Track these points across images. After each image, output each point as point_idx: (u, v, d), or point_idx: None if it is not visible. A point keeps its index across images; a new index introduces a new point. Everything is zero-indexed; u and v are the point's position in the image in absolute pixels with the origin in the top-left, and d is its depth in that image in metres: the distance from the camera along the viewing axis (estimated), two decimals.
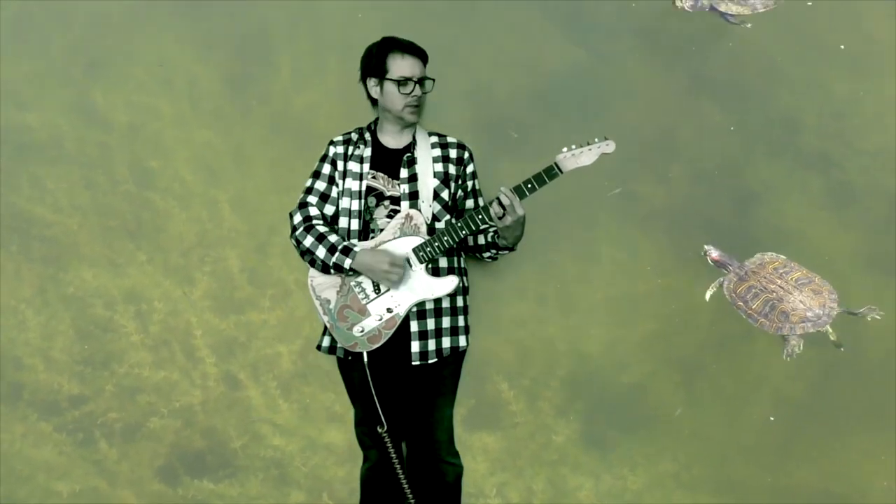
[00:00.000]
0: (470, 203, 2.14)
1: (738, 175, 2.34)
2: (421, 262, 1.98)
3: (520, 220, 1.92)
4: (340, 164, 2.08)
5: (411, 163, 2.07)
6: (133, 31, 2.37)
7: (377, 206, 2.05)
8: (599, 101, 2.35)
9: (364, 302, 2.00)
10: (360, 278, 2.00)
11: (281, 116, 2.36)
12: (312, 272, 2.05)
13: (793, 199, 2.33)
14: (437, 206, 2.06)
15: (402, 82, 2.00)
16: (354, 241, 2.02)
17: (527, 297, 2.33)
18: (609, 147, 1.90)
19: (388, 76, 2.01)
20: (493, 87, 2.36)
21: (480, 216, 1.93)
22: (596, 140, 1.90)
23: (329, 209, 2.07)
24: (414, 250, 1.98)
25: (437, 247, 1.96)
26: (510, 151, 2.34)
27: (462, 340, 2.07)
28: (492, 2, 2.37)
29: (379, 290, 1.99)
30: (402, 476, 2.06)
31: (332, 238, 1.99)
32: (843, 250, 2.32)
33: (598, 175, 2.32)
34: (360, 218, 2.04)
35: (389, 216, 2.04)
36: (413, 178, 2.05)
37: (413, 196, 2.04)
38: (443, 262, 2.05)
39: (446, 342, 2.04)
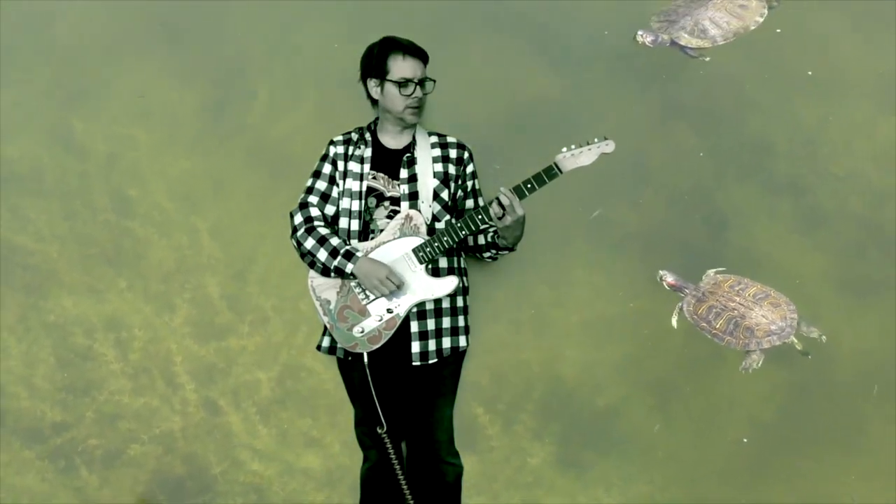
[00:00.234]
0: (470, 203, 2.14)
1: (710, 199, 2.37)
2: (421, 263, 1.98)
3: (519, 220, 1.93)
4: (341, 164, 2.09)
5: (411, 163, 2.07)
6: (112, 62, 2.40)
7: (377, 206, 2.06)
8: (573, 127, 2.38)
9: (364, 303, 2.00)
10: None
11: (258, 145, 2.39)
12: (312, 272, 2.06)
13: (764, 223, 2.36)
14: (437, 207, 2.06)
15: (402, 84, 2.00)
16: (355, 241, 2.03)
17: (501, 321, 2.36)
18: (609, 147, 1.91)
19: (388, 77, 2.01)
20: (469, 114, 2.38)
21: (480, 216, 1.93)
22: (595, 140, 1.90)
23: (330, 209, 2.08)
24: (414, 251, 1.98)
25: (437, 247, 1.96)
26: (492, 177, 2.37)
27: (462, 340, 2.08)
28: (468, 31, 2.39)
29: None
30: (401, 476, 2.07)
31: (334, 241, 2.00)
32: (814, 273, 2.35)
33: (572, 199, 2.36)
34: (360, 218, 2.05)
35: (389, 216, 2.05)
36: (413, 179, 2.06)
37: (413, 196, 2.05)
38: (443, 263, 2.05)
39: (446, 342, 2.05)
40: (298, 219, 2.05)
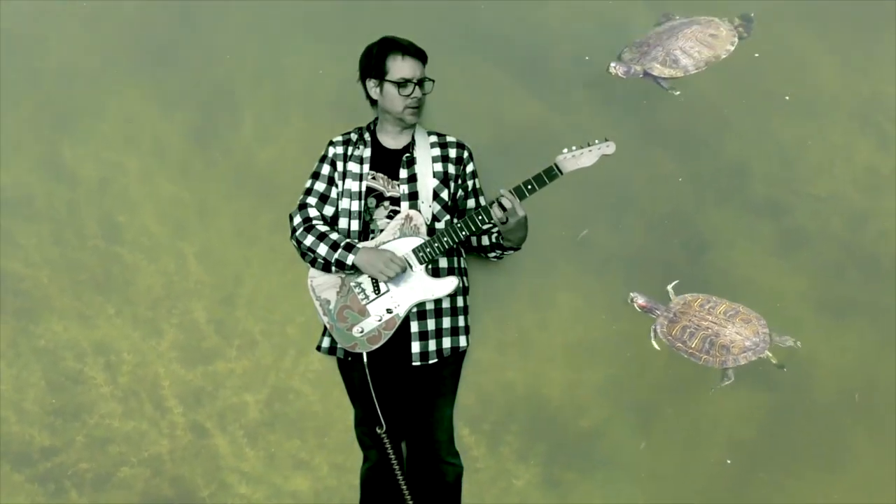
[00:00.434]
0: (471, 203, 2.14)
1: (690, 222, 2.40)
2: (421, 263, 1.98)
3: (522, 221, 1.93)
4: (340, 165, 2.09)
5: (410, 163, 2.07)
6: (100, 89, 2.43)
7: (377, 206, 2.06)
8: (555, 152, 2.40)
9: (364, 302, 2.00)
10: (360, 279, 2.01)
11: (244, 171, 2.42)
12: (312, 272, 2.06)
13: (744, 245, 2.39)
14: (437, 207, 2.06)
15: (401, 84, 2.00)
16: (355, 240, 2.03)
17: (487, 344, 2.39)
18: (609, 148, 1.90)
19: (387, 78, 2.00)
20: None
21: (480, 217, 1.93)
22: (596, 141, 1.90)
23: (329, 210, 2.08)
24: (414, 251, 1.98)
25: (437, 247, 1.96)
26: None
27: (462, 341, 2.08)
28: (451, 57, 2.42)
29: (378, 290, 2.00)
30: (400, 477, 2.07)
31: (334, 236, 2.00)
32: (794, 294, 2.38)
33: (554, 223, 2.39)
34: (359, 219, 2.05)
35: (389, 217, 2.05)
36: (412, 179, 2.06)
37: (413, 196, 2.05)
38: (443, 263, 2.05)
39: (446, 342, 2.05)
40: (297, 219, 2.06)
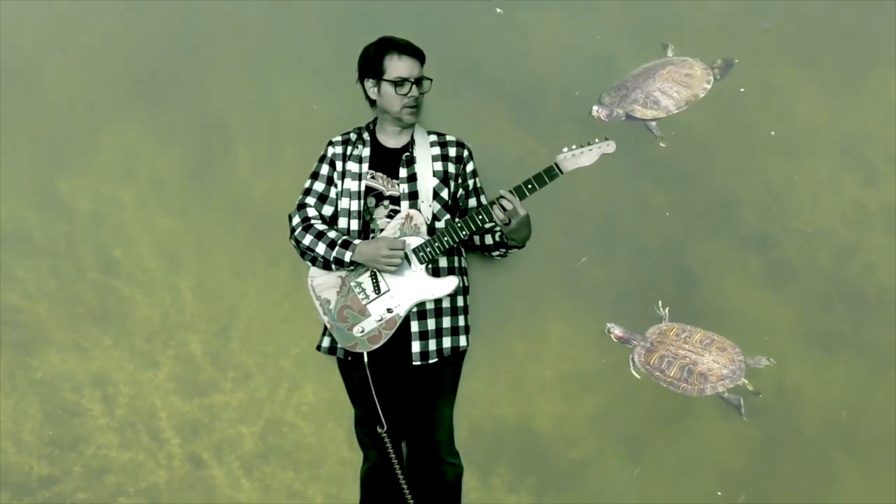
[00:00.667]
0: (472, 202, 2.15)
1: (679, 255, 2.43)
2: (421, 263, 1.99)
3: (524, 220, 1.94)
4: (339, 165, 2.09)
5: (410, 162, 2.07)
6: (96, 123, 2.45)
7: (377, 206, 2.06)
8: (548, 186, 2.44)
9: (364, 302, 2.01)
10: (360, 278, 2.02)
11: (240, 204, 2.44)
12: (313, 272, 2.07)
13: (732, 279, 2.42)
14: (437, 206, 2.06)
15: (398, 83, 2.00)
16: (355, 241, 2.02)
17: (479, 375, 2.42)
18: (610, 147, 1.90)
19: (384, 77, 2.01)
20: None
21: (481, 216, 1.93)
22: (596, 140, 1.90)
23: (328, 210, 2.09)
24: (414, 251, 1.99)
25: (438, 247, 1.97)
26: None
27: (462, 340, 2.09)
28: (443, 92, 2.45)
29: (379, 290, 2.00)
30: (401, 476, 2.08)
31: (332, 234, 2.01)
32: (782, 327, 2.41)
33: (544, 256, 2.41)
34: (359, 218, 2.05)
35: (389, 216, 2.05)
36: (412, 178, 2.06)
37: (413, 196, 2.05)
38: (443, 262, 2.06)
39: (447, 342, 2.05)
40: (296, 219, 2.07)
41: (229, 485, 2.41)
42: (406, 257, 1.99)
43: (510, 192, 1.90)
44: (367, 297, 2.01)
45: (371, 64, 2.04)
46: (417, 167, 2.06)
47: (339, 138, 2.14)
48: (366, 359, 2.02)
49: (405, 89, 2.01)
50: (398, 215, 2.03)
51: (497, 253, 2.13)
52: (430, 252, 1.98)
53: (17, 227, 2.44)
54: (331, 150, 2.13)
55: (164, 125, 2.45)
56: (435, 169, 2.08)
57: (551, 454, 2.41)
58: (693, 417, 2.40)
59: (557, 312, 2.43)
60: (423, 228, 2.01)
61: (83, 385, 2.43)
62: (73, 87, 2.44)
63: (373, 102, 2.10)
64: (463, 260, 2.15)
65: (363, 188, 2.06)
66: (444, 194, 2.09)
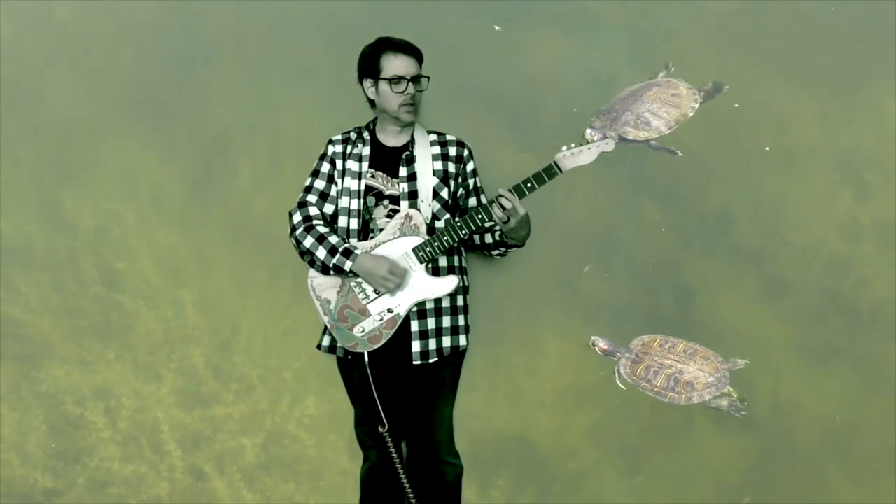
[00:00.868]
0: (472, 201, 2.15)
1: (675, 270, 2.45)
2: (421, 262, 1.99)
3: (523, 219, 1.95)
4: (339, 163, 2.10)
5: (410, 161, 2.08)
6: (98, 139, 2.48)
7: (376, 205, 2.06)
8: (545, 201, 2.46)
9: (364, 302, 2.02)
10: (361, 278, 2.02)
11: (241, 219, 2.47)
12: (313, 272, 2.07)
13: (727, 293, 2.44)
14: (437, 205, 2.07)
15: (395, 81, 2.01)
16: (354, 240, 2.04)
17: (479, 389, 2.44)
18: (609, 146, 1.90)
19: (381, 76, 2.03)
20: None
21: (480, 216, 1.94)
22: (595, 138, 1.91)
23: (329, 208, 2.09)
24: (414, 250, 1.99)
25: (437, 247, 1.97)
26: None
27: (462, 340, 2.10)
28: (443, 105, 2.47)
29: (379, 290, 2.02)
30: (403, 476, 2.09)
31: (333, 239, 2.01)
32: (777, 341, 2.43)
33: (541, 270, 2.44)
34: (359, 217, 2.06)
35: (389, 216, 2.06)
36: (412, 177, 2.06)
37: (412, 195, 2.05)
38: (443, 262, 2.06)
39: (447, 341, 2.06)
40: (297, 217, 2.07)
41: (231, 496, 2.44)
42: (406, 258, 2.00)
43: (509, 190, 1.91)
44: (368, 296, 2.02)
45: (369, 63, 2.06)
46: (417, 166, 2.07)
47: (339, 137, 2.15)
48: (366, 359, 2.03)
49: (402, 87, 2.02)
50: (398, 215, 2.04)
51: (497, 252, 2.15)
52: (429, 251, 1.98)
53: (20, 241, 2.46)
54: (331, 149, 2.14)
55: (166, 140, 2.48)
56: (435, 168, 2.09)
57: (550, 466, 2.43)
58: (690, 429, 2.43)
59: (555, 326, 2.45)
60: (423, 228, 2.02)
61: (86, 398, 2.45)
62: (75, 103, 2.47)
63: (372, 103, 2.12)
64: (463, 259, 2.16)
65: (363, 187, 2.07)
66: (444, 194, 2.09)
